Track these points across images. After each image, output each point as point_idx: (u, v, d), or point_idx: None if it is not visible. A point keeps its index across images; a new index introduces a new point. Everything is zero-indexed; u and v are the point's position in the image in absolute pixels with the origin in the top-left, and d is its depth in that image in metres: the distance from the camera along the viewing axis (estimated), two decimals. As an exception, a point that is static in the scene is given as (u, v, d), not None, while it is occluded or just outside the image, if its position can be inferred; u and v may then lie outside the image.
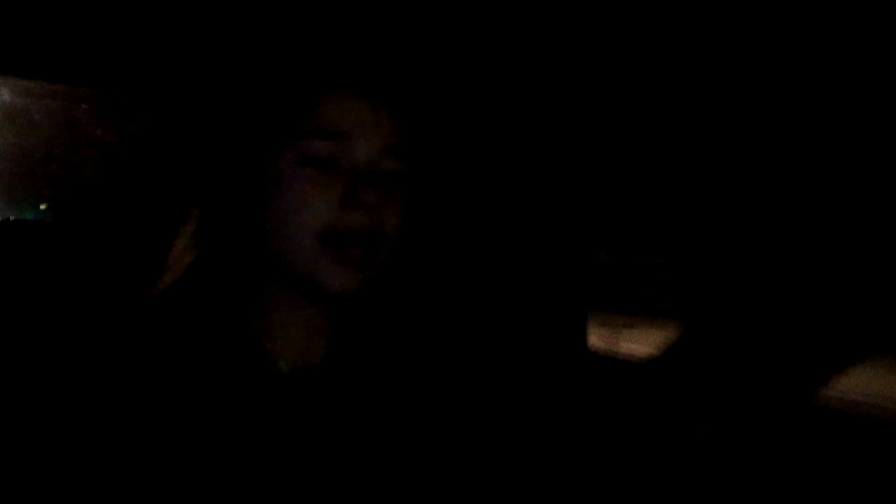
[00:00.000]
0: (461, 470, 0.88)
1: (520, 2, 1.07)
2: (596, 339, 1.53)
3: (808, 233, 1.08)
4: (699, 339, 0.45)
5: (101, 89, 1.28)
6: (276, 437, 0.81)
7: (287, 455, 0.81)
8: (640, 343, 1.47)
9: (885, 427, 1.08)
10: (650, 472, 0.40)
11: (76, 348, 0.82)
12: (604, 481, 0.41)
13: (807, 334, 0.43)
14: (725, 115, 1.20)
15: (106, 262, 1.17)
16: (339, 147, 0.81)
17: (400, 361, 0.91)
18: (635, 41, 1.17)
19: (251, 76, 0.93)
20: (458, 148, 1.34)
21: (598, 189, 1.44)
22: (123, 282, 0.92)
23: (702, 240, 1.29)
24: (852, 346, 0.43)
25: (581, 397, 1.29)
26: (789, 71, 1.09)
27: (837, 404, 1.04)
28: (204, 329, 0.85)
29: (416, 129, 0.88)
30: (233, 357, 0.84)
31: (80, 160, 1.30)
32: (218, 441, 0.79)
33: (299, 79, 0.85)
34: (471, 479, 0.87)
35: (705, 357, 0.44)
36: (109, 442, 0.78)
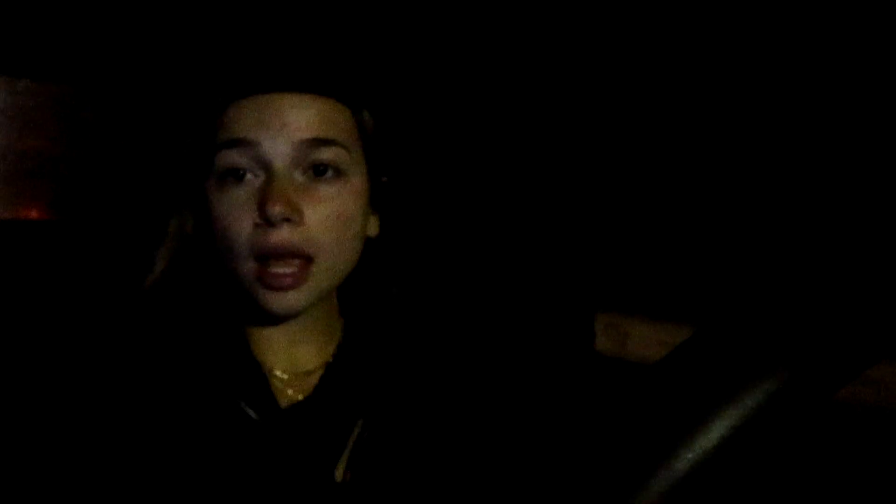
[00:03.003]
0: (460, 473, 0.87)
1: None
2: (603, 340, 1.52)
3: (812, 230, 1.07)
4: (707, 341, 0.44)
5: (99, 89, 1.28)
6: (263, 444, 0.80)
7: (273, 461, 0.80)
8: (647, 344, 1.46)
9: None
10: (660, 473, 0.40)
11: (78, 348, 0.82)
12: (612, 482, 0.40)
13: (815, 337, 0.42)
14: (725, 116, 1.19)
15: (104, 261, 1.16)
16: (247, 155, 0.76)
17: (397, 367, 0.90)
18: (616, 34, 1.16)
19: (170, 89, 0.90)
20: (463, 148, 1.33)
21: (604, 190, 1.43)
22: (120, 282, 0.91)
23: (708, 241, 1.28)
24: (863, 349, 0.42)
25: (589, 399, 1.28)
26: (789, 71, 1.08)
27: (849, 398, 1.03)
28: (197, 330, 0.84)
29: (370, 113, 0.84)
30: (222, 360, 0.82)
31: (83, 161, 1.30)
32: (205, 445, 0.78)
33: (199, 89, 0.81)
34: (470, 482, 0.86)
35: (713, 357, 0.43)
36: (100, 443, 0.77)
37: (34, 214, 1.29)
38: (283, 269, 0.76)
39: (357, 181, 0.80)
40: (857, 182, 1.02)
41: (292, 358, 0.86)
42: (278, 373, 0.84)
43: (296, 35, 0.85)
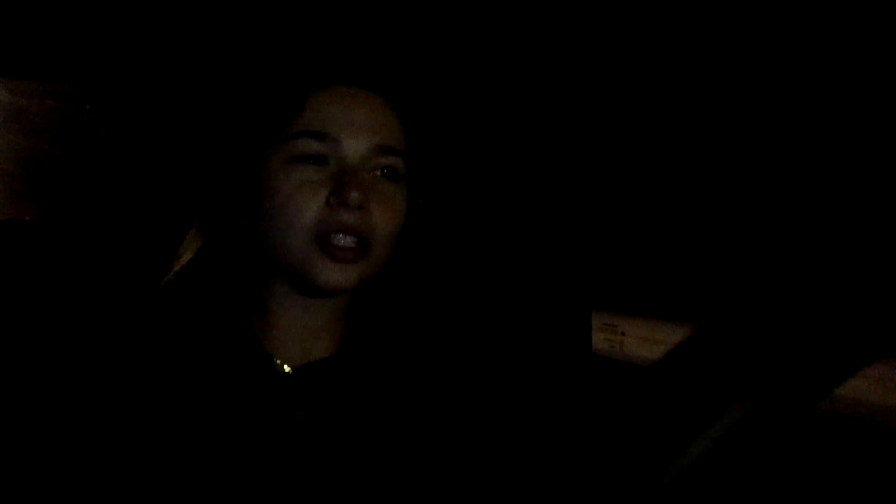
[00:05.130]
0: (459, 471, 0.88)
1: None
2: (599, 340, 1.52)
3: (810, 231, 1.07)
4: (705, 342, 0.44)
5: (98, 89, 1.28)
6: (274, 436, 0.82)
7: (285, 453, 0.81)
8: (644, 344, 1.46)
9: (887, 430, 1.08)
10: (658, 472, 0.40)
11: (80, 345, 0.82)
12: (608, 483, 0.41)
13: (814, 336, 0.42)
14: (726, 116, 1.19)
15: (109, 260, 1.16)
16: (327, 146, 0.82)
17: (401, 362, 0.91)
18: (640, 41, 1.16)
19: (240, 77, 0.94)
20: (463, 147, 1.33)
21: (601, 190, 1.43)
22: (127, 280, 0.92)
23: (705, 240, 1.29)
24: (861, 348, 0.43)
25: (585, 400, 1.28)
26: (789, 71, 1.08)
27: (842, 407, 1.03)
28: (206, 327, 0.85)
29: (417, 126, 0.89)
30: (234, 356, 0.84)
31: (83, 161, 1.30)
32: (217, 439, 0.79)
33: (286, 78, 0.86)
34: (469, 480, 0.87)
35: (711, 359, 0.43)
36: (110, 437, 0.78)
37: (34, 214, 1.29)
38: (346, 243, 0.81)
39: (405, 187, 0.87)
40: (856, 182, 1.03)
41: (301, 351, 0.87)
42: (286, 367, 0.86)
43: (381, 41, 0.90)
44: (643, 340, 1.46)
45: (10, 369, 0.84)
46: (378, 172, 0.84)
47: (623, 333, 1.50)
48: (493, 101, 1.35)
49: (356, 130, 0.83)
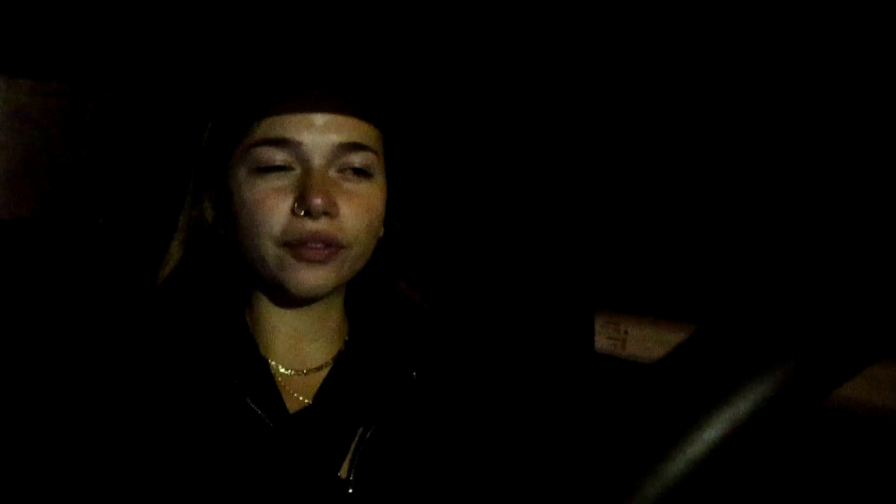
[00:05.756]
0: (461, 473, 0.87)
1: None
2: (602, 340, 1.52)
3: (810, 231, 1.07)
4: (706, 341, 0.44)
5: (98, 89, 1.28)
6: (270, 443, 0.81)
7: (279, 458, 0.81)
8: (647, 343, 1.46)
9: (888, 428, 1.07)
10: (660, 473, 0.40)
11: (77, 347, 0.82)
12: (609, 482, 0.41)
13: (814, 336, 0.42)
14: (725, 115, 1.19)
15: (109, 260, 1.16)
16: (288, 152, 0.81)
17: (402, 364, 0.91)
18: (640, 41, 1.16)
19: (200, 86, 0.93)
20: (461, 146, 1.33)
21: (603, 189, 1.43)
22: (127, 281, 0.92)
23: (705, 240, 1.29)
24: (861, 348, 0.42)
25: (588, 399, 1.28)
26: (789, 71, 1.08)
27: (843, 405, 1.03)
28: (203, 330, 0.85)
29: (391, 120, 0.87)
30: (231, 360, 0.84)
31: (83, 160, 1.29)
32: (211, 446, 0.79)
33: (242, 86, 0.85)
34: (472, 482, 0.87)
35: (712, 358, 0.43)
36: (104, 438, 0.78)
37: (34, 214, 1.29)
38: (316, 247, 0.80)
39: (381, 182, 0.85)
40: (857, 182, 1.03)
41: (298, 355, 0.87)
42: (282, 369, 0.86)
43: (338, 39, 0.89)
44: (646, 340, 1.46)
45: (7, 368, 0.84)
46: (348, 171, 0.82)
47: (626, 332, 1.50)
48: (495, 101, 1.35)
49: (317, 132, 0.81)
